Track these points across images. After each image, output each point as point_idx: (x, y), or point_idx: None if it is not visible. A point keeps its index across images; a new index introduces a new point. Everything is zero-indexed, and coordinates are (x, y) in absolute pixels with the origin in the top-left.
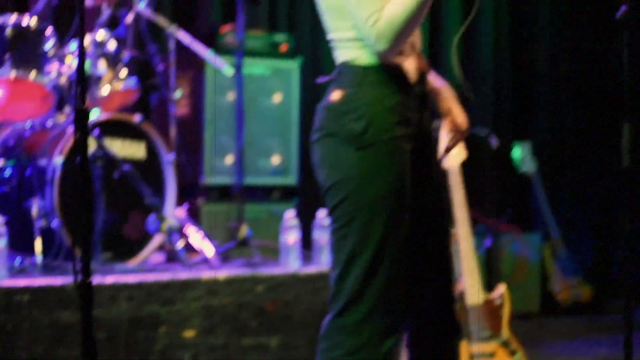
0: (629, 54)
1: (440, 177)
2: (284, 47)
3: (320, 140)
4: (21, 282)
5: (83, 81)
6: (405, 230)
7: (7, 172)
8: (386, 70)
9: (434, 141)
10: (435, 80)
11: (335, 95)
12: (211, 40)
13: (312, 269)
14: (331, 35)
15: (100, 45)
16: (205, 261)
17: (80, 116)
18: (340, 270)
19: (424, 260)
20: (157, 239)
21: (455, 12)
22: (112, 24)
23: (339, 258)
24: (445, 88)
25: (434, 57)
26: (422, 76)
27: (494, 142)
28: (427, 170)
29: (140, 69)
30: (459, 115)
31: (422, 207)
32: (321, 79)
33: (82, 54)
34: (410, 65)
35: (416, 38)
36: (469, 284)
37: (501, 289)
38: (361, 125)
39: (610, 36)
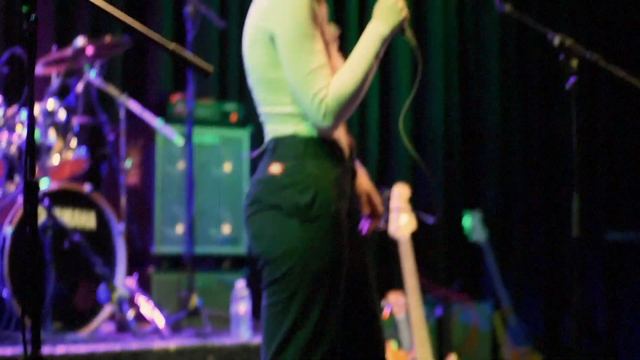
0: (578, 124)
1: (365, 247)
2: (234, 117)
3: (259, 212)
4: None
5: (32, 152)
6: (341, 301)
7: None
8: (325, 143)
9: (359, 214)
10: None
11: (275, 168)
12: (161, 109)
13: None
14: (265, 108)
15: (50, 114)
16: (156, 331)
17: (30, 188)
18: (278, 344)
19: (356, 329)
20: (107, 309)
21: (406, 72)
22: (62, 93)
23: (278, 331)
24: (359, 168)
25: (385, 118)
26: (351, 151)
27: (430, 220)
28: (355, 243)
29: (91, 138)
30: (375, 197)
31: (351, 276)
32: (254, 153)
33: (31, 123)
34: (342, 139)
35: None
36: (420, 353)
37: (452, 358)
38: (307, 198)
39: (559, 107)
